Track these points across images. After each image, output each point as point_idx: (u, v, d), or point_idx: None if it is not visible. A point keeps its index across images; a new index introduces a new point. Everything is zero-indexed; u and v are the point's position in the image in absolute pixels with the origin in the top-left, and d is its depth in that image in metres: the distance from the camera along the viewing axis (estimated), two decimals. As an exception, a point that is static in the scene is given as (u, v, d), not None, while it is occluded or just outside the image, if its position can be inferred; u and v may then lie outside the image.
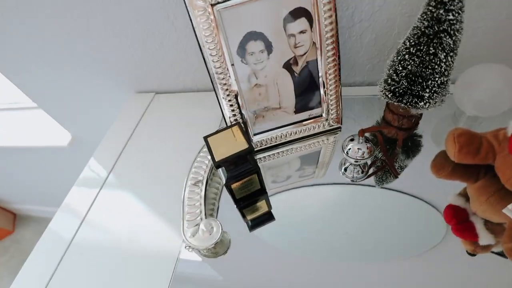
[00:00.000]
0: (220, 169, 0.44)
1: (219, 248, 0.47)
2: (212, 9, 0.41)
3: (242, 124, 0.44)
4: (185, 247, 0.45)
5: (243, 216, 0.49)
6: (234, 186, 0.44)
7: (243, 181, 0.44)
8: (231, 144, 0.41)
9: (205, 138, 0.43)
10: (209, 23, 0.41)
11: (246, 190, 0.47)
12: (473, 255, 0.42)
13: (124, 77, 0.77)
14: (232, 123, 0.43)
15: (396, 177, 0.51)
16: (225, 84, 0.47)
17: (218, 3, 0.40)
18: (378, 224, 0.47)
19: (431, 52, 0.42)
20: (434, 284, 0.41)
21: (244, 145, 0.40)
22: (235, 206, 0.48)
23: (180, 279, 0.45)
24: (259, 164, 0.58)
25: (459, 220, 0.45)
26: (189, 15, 0.41)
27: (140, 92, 0.81)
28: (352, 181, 0.52)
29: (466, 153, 0.46)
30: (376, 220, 0.48)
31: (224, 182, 0.43)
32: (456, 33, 0.40)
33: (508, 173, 0.43)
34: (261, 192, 0.48)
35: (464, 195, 0.48)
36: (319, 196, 0.54)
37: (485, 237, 0.43)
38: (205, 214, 0.46)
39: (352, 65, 0.65)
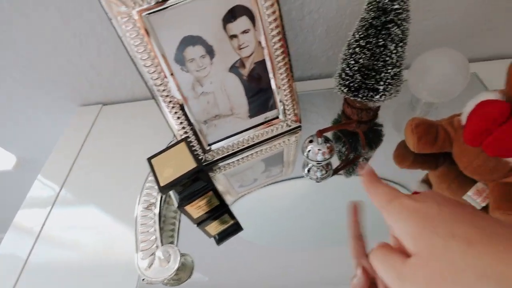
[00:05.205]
0: (171, 191, 0.40)
1: (182, 274, 0.43)
2: (139, 15, 0.35)
3: (188, 140, 0.40)
4: (142, 279, 0.40)
5: (207, 233, 0.46)
6: (188, 207, 0.40)
7: (198, 201, 0.40)
8: (178, 164, 0.37)
9: (149, 159, 0.38)
10: (136, 31, 0.36)
11: (204, 208, 0.43)
12: None
13: (63, 89, 0.69)
14: (178, 140, 0.39)
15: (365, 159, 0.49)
16: (167, 96, 0.42)
17: (144, 7, 0.35)
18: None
19: (380, 44, 0.39)
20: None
21: (192, 164, 0.36)
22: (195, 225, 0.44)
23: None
24: (220, 174, 0.55)
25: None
26: (111, 23, 0.36)
27: (85, 105, 0.73)
28: (317, 181, 0.50)
29: (425, 143, 0.45)
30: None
31: (176, 205, 0.39)
32: (403, 22, 0.38)
33: (465, 161, 0.43)
34: (221, 207, 0.45)
35: (427, 181, 0.48)
36: (289, 190, 0.52)
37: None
38: (161, 241, 0.42)
39: (307, 59, 0.62)
